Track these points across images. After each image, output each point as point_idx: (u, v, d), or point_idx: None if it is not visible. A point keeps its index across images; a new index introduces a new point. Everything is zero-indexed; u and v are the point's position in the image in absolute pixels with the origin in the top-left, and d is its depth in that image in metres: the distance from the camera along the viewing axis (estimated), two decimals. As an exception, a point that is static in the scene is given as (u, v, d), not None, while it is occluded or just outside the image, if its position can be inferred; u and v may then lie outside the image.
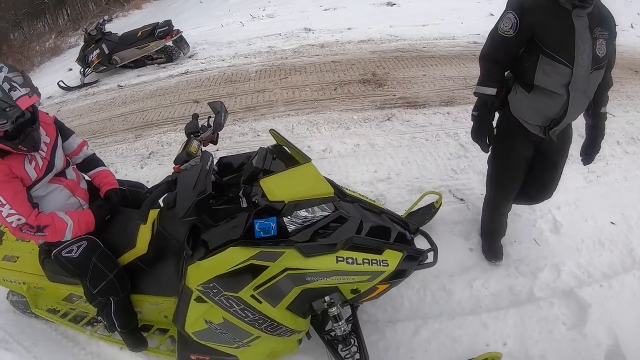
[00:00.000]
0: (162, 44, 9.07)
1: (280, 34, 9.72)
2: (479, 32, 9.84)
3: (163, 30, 9.03)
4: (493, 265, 3.64)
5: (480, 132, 3.05)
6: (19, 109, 2.21)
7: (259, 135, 5.43)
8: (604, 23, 2.60)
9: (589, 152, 3.15)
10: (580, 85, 2.62)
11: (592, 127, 3.07)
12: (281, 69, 7.50)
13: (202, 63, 8.75)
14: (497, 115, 3.10)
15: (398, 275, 2.53)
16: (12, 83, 2.23)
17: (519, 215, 4.09)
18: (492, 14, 11.98)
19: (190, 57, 9.42)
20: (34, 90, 2.33)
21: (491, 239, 3.72)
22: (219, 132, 2.87)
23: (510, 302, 3.39)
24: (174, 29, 9.19)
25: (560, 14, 2.53)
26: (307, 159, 2.51)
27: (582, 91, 2.66)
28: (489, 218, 3.64)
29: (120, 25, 13.15)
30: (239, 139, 5.32)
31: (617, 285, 3.55)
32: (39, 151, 2.57)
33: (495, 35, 2.77)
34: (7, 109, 2.17)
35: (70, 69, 10.55)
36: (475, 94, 2.95)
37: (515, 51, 2.75)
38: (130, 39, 9.23)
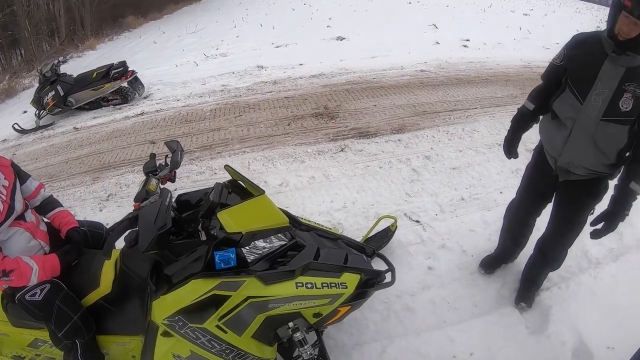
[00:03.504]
0: (117, 85, 9.01)
1: (233, 72, 9.82)
2: (426, 60, 10.19)
3: (118, 71, 8.98)
4: (454, 280, 3.79)
5: (507, 138, 3.17)
6: None
7: (215, 173, 5.48)
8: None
9: (601, 226, 2.81)
10: (585, 125, 2.63)
11: (613, 201, 2.77)
12: (235, 107, 7.60)
13: (157, 103, 8.75)
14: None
15: (358, 296, 2.63)
16: None
17: (474, 231, 4.31)
18: (438, 42, 12.41)
19: (145, 97, 9.36)
20: None
21: (497, 247, 3.86)
22: (177, 170, 2.95)
23: (473, 313, 3.53)
24: (129, 69, 9.15)
25: (597, 54, 2.56)
26: (261, 191, 2.60)
27: (587, 133, 2.64)
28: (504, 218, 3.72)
29: (75, 66, 13.03)
30: (196, 177, 5.38)
31: (574, 286, 3.75)
32: None
33: (550, 63, 2.93)
34: None
35: (25, 111, 10.24)
36: (521, 105, 3.10)
37: (558, 79, 2.85)
38: (86, 81, 9.12)
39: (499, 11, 28.38)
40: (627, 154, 2.69)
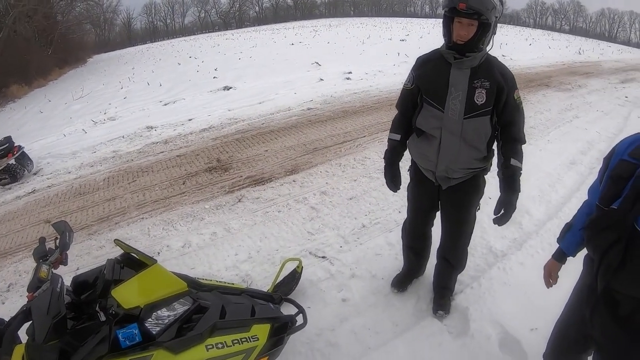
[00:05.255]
0: (4, 163, 8.38)
1: (123, 137, 9.63)
2: (312, 98, 10.53)
3: (3, 148, 8.44)
4: (370, 306, 3.85)
5: (387, 173, 3.37)
6: None
7: (116, 245, 5.20)
8: (487, 75, 2.81)
9: (501, 210, 3.02)
10: (452, 128, 2.91)
11: (502, 180, 3.03)
12: (128, 173, 7.45)
13: (48, 179, 8.31)
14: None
15: (274, 345, 2.68)
16: None
17: (380, 254, 4.49)
18: (322, 79, 12.85)
19: (35, 173, 8.85)
20: None
21: (404, 264, 4.03)
22: (67, 252, 2.87)
23: (395, 333, 3.58)
24: (15, 145, 8.65)
25: (443, 66, 2.88)
26: (153, 261, 2.59)
27: (455, 134, 2.92)
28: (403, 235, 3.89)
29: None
30: (97, 253, 5.20)
31: (486, 282, 4.01)
32: None
33: (402, 90, 3.19)
34: None
35: None
36: (388, 139, 3.33)
37: (413, 101, 3.12)
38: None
39: (377, 41, 29.79)
40: (494, 145, 3.07)
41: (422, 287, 3.98)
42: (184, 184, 6.71)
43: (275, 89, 12.17)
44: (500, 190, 3.06)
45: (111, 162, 8.28)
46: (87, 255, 5.12)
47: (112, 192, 6.79)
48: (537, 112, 10.04)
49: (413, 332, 3.57)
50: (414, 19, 72.08)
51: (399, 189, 3.42)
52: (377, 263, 4.37)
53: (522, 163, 3.01)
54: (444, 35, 2.85)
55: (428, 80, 2.98)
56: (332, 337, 3.55)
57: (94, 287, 2.62)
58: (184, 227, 5.41)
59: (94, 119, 12.01)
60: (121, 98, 15.16)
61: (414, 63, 3.13)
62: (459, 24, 2.69)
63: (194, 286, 2.81)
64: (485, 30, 2.69)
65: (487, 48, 2.83)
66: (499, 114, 2.90)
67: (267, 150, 7.65)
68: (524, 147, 3.05)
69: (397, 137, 3.29)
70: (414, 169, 3.37)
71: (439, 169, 3.08)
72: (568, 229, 2.40)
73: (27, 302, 2.44)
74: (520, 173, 3.01)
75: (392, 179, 3.39)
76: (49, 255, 2.70)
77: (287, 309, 3.19)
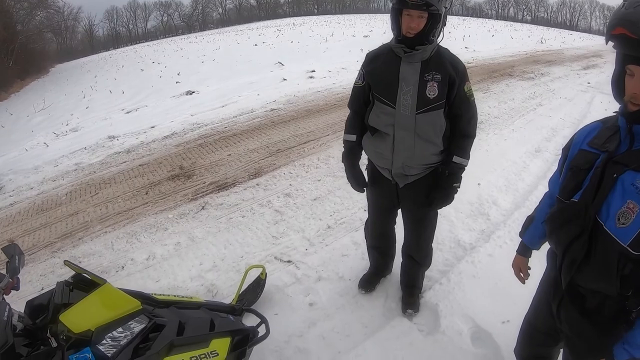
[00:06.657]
0: None
1: (85, 148, 9.43)
2: (275, 98, 10.50)
3: None
4: (339, 308, 3.83)
5: (349, 175, 3.33)
6: None
7: (80, 262, 5.15)
8: (438, 67, 2.76)
9: (432, 200, 3.12)
10: (404, 124, 2.86)
11: (441, 174, 3.06)
12: (91, 185, 7.29)
13: (10, 196, 8.02)
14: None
15: (236, 359, 2.63)
16: None
17: (346, 255, 4.49)
18: (285, 79, 12.81)
19: None
20: None
21: (370, 264, 4.03)
22: (19, 277, 2.80)
23: (365, 334, 3.56)
24: None
25: (393, 61, 2.82)
26: (103, 281, 2.52)
27: (409, 130, 2.87)
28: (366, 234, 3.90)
29: None
30: (61, 271, 5.00)
31: (455, 276, 4.02)
32: None
33: (352, 88, 3.15)
34: None
35: None
36: (343, 141, 3.28)
37: (365, 99, 3.08)
38: None
39: (341, 38, 29.94)
40: None
41: (391, 286, 3.98)
42: (146, 193, 6.59)
43: (238, 91, 12.11)
44: (440, 182, 3.08)
45: (73, 175, 8.09)
46: (51, 274, 4.98)
47: (75, 207, 6.64)
48: (501, 102, 10.20)
49: (383, 332, 3.56)
50: (378, 14, 72.41)
51: (365, 188, 3.40)
52: (344, 264, 4.36)
53: (468, 159, 3.01)
54: (393, 29, 2.81)
55: (378, 76, 2.95)
56: (301, 344, 3.52)
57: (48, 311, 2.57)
58: (148, 239, 5.32)
59: (55, 131, 11.80)
60: (83, 108, 14.97)
61: (364, 58, 3.09)
62: (408, 17, 2.65)
63: (149, 303, 2.73)
64: (435, 21, 2.66)
65: (438, 40, 2.81)
66: (449, 106, 2.89)
67: (230, 155, 7.59)
68: (477, 140, 3.08)
69: (353, 137, 3.24)
70: (371, 168, 3.35)
71: (395, 167, 3.05)
72: (530, 222, 2.39)
73: (-21, 333, 2.36)
74: (464, 169, 3.03)
75: (356, 181, 3.34)
76: (-1, 281, 2.63)
77: (252, 320, 3.11)
